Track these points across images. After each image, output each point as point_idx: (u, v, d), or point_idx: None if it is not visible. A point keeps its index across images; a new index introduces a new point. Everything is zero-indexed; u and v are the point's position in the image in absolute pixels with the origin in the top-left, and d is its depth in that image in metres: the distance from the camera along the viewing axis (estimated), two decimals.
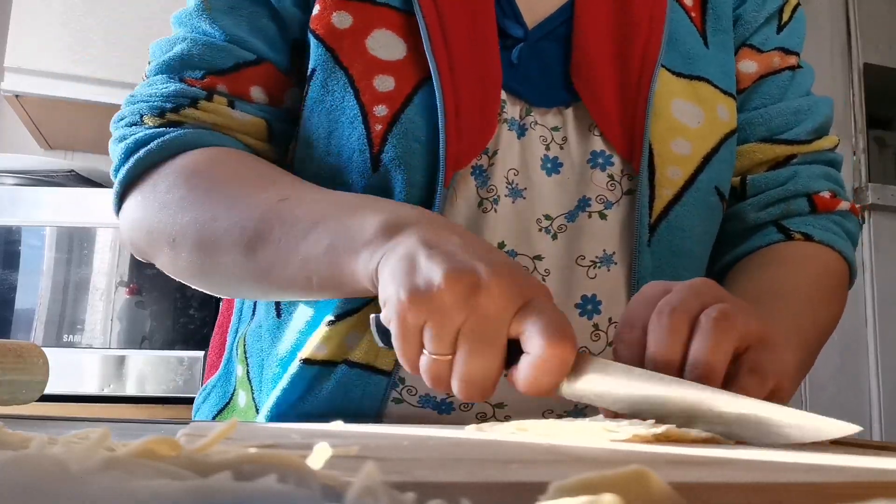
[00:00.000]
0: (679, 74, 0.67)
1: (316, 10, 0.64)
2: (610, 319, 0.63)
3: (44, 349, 0.60)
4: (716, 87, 0.69)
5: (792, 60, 0.76)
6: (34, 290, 1.55)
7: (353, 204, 0.55)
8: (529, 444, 0.37)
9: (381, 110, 0.60)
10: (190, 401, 1.47)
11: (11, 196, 1.51)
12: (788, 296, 0.64)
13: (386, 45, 0.62)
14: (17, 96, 1.74)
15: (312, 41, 0.64)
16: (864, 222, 2.16)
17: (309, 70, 0.64)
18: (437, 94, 0.60)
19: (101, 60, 1.75)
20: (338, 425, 0.45)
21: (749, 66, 0.75)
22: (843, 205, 0.74)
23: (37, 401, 0.56)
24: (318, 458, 0.22)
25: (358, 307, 0.61)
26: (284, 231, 0.55)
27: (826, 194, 0.73)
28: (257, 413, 0.67)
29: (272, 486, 0.18)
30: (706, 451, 0.36)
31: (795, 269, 0.69)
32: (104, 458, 0.19)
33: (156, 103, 0.64)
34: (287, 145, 0.69)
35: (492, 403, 0.62)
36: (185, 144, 0.62)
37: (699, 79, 0.68)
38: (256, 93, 0.66)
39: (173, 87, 0.64)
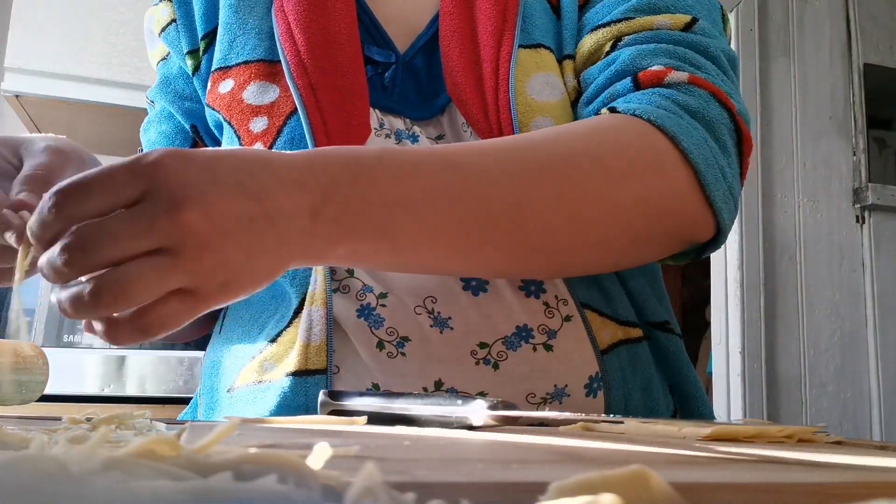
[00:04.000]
0: (528, 46, 0.68)
1: (208, 87, 0.72)
2: (556, 297, 0.64)
3: (44, 349, 0.61)
4: (552, 51, 0.69)
5: None
6: (34, 290, 1.55)
7: None
8: (529, 444, 0.37)
9: (257, 147, 0.66)
10: (190, 401, 1.47)
11: None
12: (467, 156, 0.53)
13: (259, 92, 0.68)
14: (17, 96, 1.74)
15: (209, 113, 0.72)
16: (863, 221, 2.16)
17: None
18: (301, 115, 0.64)
19: (101, 60, 1.75)
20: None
21: None
22: (675, 75, 0.60)
23: (37, 401, 0.56)
24: (318, 458, 0.22)
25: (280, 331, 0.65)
26: None
27: (656, 68, 0.62)
28: None
29: (272, 486, 0.18)
30: (706, 450, 0.36)
31: (536, 136, 0.56)
32: (104, 458, 0.19)
33: None
34: None
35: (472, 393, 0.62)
36: None
37: (540, 46, 0.69)
38: None
39: None
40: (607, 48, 0.67)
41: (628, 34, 0.66)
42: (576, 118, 0.68)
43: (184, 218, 0.39)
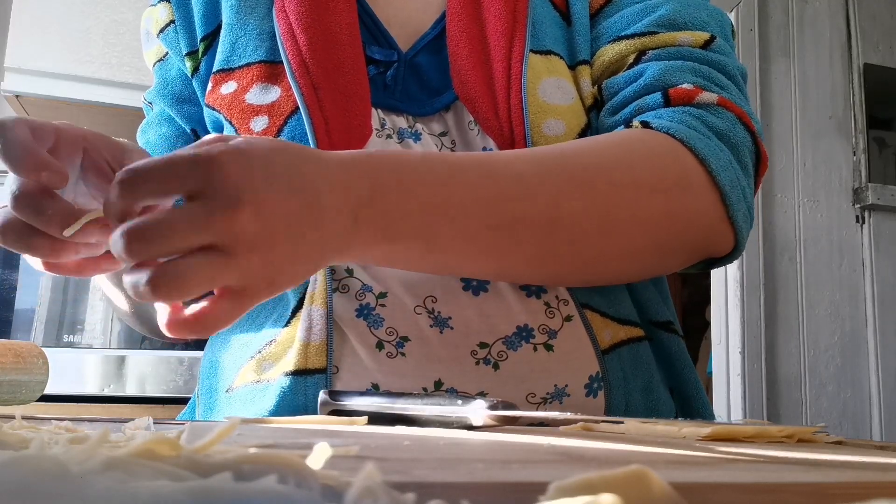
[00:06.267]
0: (538, 52, 0.69)
1: (209, 88, 0.72)
2: (557, 297, 0.64)
3: (44, 349, 0.61)
4: (563, 58, 0.70)
5: None
6: (34, 290, 1.55)
7: None
8: (529, 443, 0.37)
9: None
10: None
11: None
12: (497, 163, 0.55)
13: (261, 93, 0.69)
14: (17, 96, 1.74)
15: (209, 113, 0.72)
16: (863, 221, 2.16)
17: None
18: (303, 114, 0.65)
19: (101, 60, 1.75)
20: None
21: None
22: (705, 95, 0.63)
23: (37, 401, 0.56)
24: (318, 458, 0.22)
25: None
26: None
27: (686, 86, 0.64)
28: None
29: (272, 486, 0.18)
30: (706, 451, 0.36)
31: (570, 146, 0.59)
32: (104, 458, 0.19)
33: None
34: None
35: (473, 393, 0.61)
36: None
37: (550, 53, 0.70)
38: None
39: None
40: (630, 60, 0.68)
41: (652, 48, 0.68)
42: (596, 124, 0.69)
43: (238, 218, 0.41)
